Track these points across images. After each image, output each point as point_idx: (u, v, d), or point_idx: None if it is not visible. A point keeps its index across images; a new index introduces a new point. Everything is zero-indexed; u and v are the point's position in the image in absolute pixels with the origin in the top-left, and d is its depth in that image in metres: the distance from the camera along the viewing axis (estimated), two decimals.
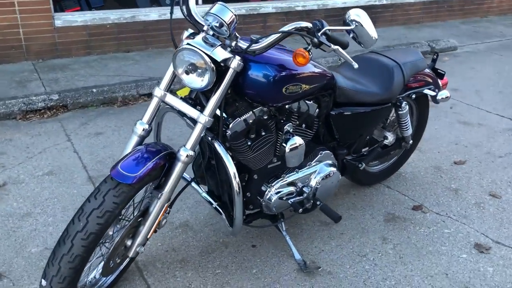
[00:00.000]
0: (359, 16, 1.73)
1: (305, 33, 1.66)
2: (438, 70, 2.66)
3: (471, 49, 6.05)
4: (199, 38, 1.67)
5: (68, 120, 3.67)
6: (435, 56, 2.66)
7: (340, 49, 1.72)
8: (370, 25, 1.73)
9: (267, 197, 2.05)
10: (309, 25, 1.68)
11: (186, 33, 1.73)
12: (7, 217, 2.45)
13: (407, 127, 2.52)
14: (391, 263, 2.19)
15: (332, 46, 1.68)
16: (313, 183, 2.15)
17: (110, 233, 1.72)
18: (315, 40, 1.65)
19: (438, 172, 3.01)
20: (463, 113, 3.99)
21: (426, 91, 2.51)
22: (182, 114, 1.84)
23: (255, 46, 1.70)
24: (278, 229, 2.26)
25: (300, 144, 1.99)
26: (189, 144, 1.73)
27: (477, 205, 2.65)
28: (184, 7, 1.78)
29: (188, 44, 1.64)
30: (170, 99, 1.77)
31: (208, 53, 1.62)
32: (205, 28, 1.72)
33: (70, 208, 2.53)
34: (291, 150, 1.97)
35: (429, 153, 3.26)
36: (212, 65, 1.62)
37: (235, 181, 1.78)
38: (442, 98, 2.46)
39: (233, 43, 1.69)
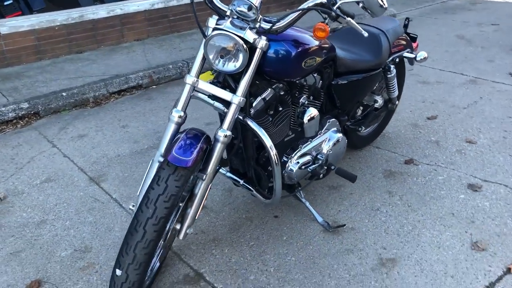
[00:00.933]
0: None
1: (321, 8, 1.79)
2: (411, 34, 2.89)
3: (411, 15, 6.44)
4: (227, 23, 1.75)
5: (45, 127, 3.58)
6: (406, 22, 2.89)
7: (352, 20, 1.87)
8: None
9: (289, 168, 2.19)
10: (324, 0, 1.81)
11: (212, 20, 1.81)
12: (23, 227, 2.42)
13: (394, 90, 2.74)
14: (403, 212, 2.41)
15: (346, 18, 1.83)
16: (325, 150, 2.32)
17: None
18: (333, 13, 1.79)
19: (416, 128, 3.27)
20: (420, 74, 4.31)
21: (406, 54, 2.74)
22: (210, 99, 1.91)
23: (277, 25, 1.81)
24: (297, 197, 2.41)
25: (315, 114, 2.14)
26: (226, 125, 1.82)
27: (459, 152, 2.94)
28: None
29: (220, 29, 1.72)
30: (202, 84, 1.85)
31: (241, 35, 1.72)
32: (228, 12, 1.80)
33: (83, 209, 2.53)
34: (309, 120, 2.11)
35: (403, 113, 3.53)
36: (246, 46, 1.71)
37: (273, 153, 1.91)
38: (421, 59, 2.69)
39: (257, 25, 1.79)
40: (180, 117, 1.83)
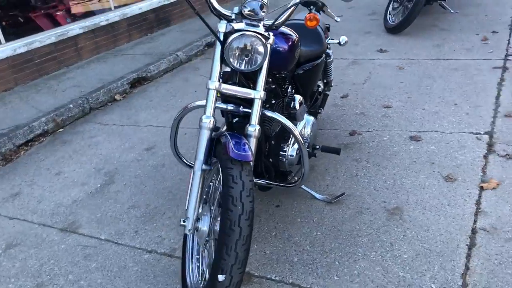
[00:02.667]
0: None
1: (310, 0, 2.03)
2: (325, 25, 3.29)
3: None
4: (241, 25, 1.87)
5: None
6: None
7: (328, 9, 2.15)
8: None
9: (289, 155, 2.37)
10: None
11: (222, 25, 1.91)
12: None
13: (331, 73, 3.10)
14: (377, 171, 2.77)
15: (326, 7, 2.10)
16: (307, 133, 2.55)
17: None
18: (319, 3, 2.05)
19: (339, 106, 3.70)
20: None
21: (331, 40, 3.12)
22: (222, 104, 2.00)
23: (278, 21, 1.99)
24: (282, 185, 2.58)
25: (302, 100, 2.37)
26: (254, 120, 1.94)
27: (384, 116, 3.44)
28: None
29: (239, 30, 1.84)
30: (225, 87, 1.93)
31: (263, 33, 1.86)
32: (233, 16, 1.93)
33: (79, 259, 2.37)
34: (299, 106, 2.33)
35: None
36: (265, 42, 1.86)
37: (299, 136, 2.07)
38: (344, 42, 3.10)
39: (262, 23, 1.95)
40: (211, 122, 1.88)
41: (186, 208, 1.86)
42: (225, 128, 2.20)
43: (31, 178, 3.26)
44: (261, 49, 1.85)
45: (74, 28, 5.82)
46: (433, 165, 2.73)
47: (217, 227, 1.84)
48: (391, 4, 5.56)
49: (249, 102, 2.00)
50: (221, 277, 1.59)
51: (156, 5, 7.02)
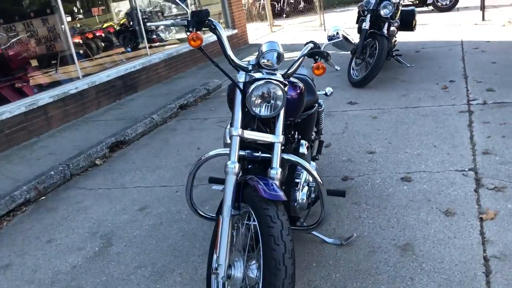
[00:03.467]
0: (340, 29, 2.35)
1: (317, 50, 2.19)
2: None
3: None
4: (260, 74, 1.98)
5: None
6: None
7: (330, 60, 2.32)
8: (349, 34, 2.37)
9: (299, 199, 2.43)
10: (313, 44, 2.22)
11: (242, 75, 2.01)
12: None
13: (322, 121, 3.24)
14: (378, 211, 2.86)
15: (329, 57, 2.27)
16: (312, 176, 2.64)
17: None
18: (325, 53, 2.21)
19: (324, 155, 3.83)
20: None
21: (318, 92, 3.29)
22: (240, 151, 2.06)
23: (290, 71, 2.12)
24: (301, 228, 2.63)
25: (308, 145, 2.47)
26: (276, 163, 2.01)
27: (371, 161, 3.59)
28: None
29: (260, 79, 1.94)
30: (247, 133, 2.00)
31: (282, 80, 1.97)
32: (250, 67, 2.04)
33: None
34: (307, 150, 2.43)
35: None
36: (284, 88, 1.97)
37: (319, 178, 2.14)
38: (330, 93, 3.28)
39: (277, 72, 2.07)
40: (237, 167, 1.93)
41: (217, 255, 1.86)
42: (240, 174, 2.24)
43: (20, 248, 3.11)
44: (280, 95, 1.95)
45: (44, 97, 5.79)
46: (430, 202, 2.85)
47: (252, 273, 1.83)
48: (354, 60, 5.92)
49: (267, 147, 2.07)
50: None
51: (123, 72, 7.13)
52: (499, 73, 5.38)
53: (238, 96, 2.01)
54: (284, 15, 16.52)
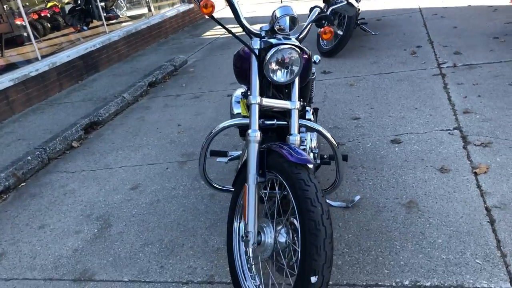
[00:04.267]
0: None
1: (325, 15, 2.19)
2: None
3: (196, 58, 7.13)
4: (275, 40, 1.97)
5: None
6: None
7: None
8: None
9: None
10: (319, 9, 2.22)
11: (257, 42, 1.98)
12: None
13: (314, 88, 3.27)
14: (375, 173, 2.94)
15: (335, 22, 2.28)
16: (315, 144, 2.67)
17: None
18: (331, 18, 2.21)
19: None
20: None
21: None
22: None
23: (300, 36, 2.12)
24: None
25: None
26: (294, 129, 2.01)
27: (358, 126, 3.66)
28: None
29: (278, 44, 1.93)
30: (265, 100, 1.99)
31: (298, 45, 1.96)
32: (263, 33, 2.02)
33: None
34: (313, 116, 2.45)
35: None
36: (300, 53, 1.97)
37: (334, 142, 2.17)
38: (319, 60, 3.30)
39: (292, 36, 2.06)
40: (258, 135, 1.92)
41: (246, 222, 1.85)
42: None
43: (11, 236, 2.99)
44: (297, 60, 1.95)
45: (3, 81, 5.49)
46: (424, 161, 2.96)
47: (282, 238, 1.85)
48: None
49: (282, 114, 2.07)
50: (313, 279, 1.61)
51: (83, 51, 6.86)
52: (462, 37, 5.58)
53: (254, 64, 1.98)
54: None
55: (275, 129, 2.18)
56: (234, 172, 2.76)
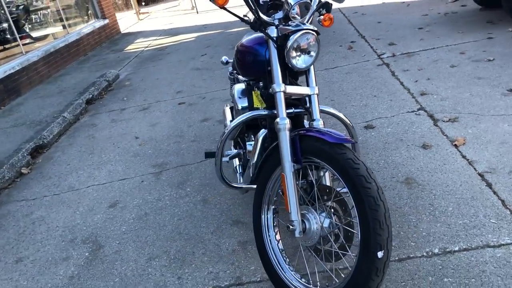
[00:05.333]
0: None
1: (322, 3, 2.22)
2: None
3: (127, 71, 6.89)
4: (291, 28, 1.96)
5: None
6: None
7: None
8: None
9: None
10: None
11: (274, 30, 1.97)
12: None
13: None
14: (361, 157, 3.04)
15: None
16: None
17: None
18: (330, 4, 2.26)
19: None
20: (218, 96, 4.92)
21: None
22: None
23: (308, 20, 2.14)
24: None
25: None
26: (316, 114, 2.03)
27: (326, 118, 3.75)
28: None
29: (298, 30, 1.93)
30: (289, 88, 1.98)
31: (316, 29, 1.98)
32: (276, 22, 2.01)
33: None
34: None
35: None
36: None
37: (350, 123, 2.21)
38: None
39: (306, 22, 2.06)
40: (288, 123, 1.90)
41: (289, 212, 1.82)
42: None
43: None
44: (316, 44, 1.96)
45: None
46: (403, 141, 3.11)
47: (326, 223, 1.85)
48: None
49: (298, 101, 2.07)
50: (380, 254, 1.62)
51: (2, 75, 6.34)
52: (389, 30, 5.96)
53: (274, 52, 1.96)
54: (143, 3, 16.02)
55: (291, 118, 2.16)
56: (233, 171, 2.70)
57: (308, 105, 2.30)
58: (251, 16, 2.05)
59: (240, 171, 2.63)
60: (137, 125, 4.54)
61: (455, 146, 2.90)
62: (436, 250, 2.09)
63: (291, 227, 1.83)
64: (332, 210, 1.88)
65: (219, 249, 2.44)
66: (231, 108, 3.30)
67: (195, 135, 3.97)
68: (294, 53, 1.92)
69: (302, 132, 1.86)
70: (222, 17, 10.20)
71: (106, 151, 4.05)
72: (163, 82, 5.89)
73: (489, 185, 2.46)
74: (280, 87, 1.91)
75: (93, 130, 4.67)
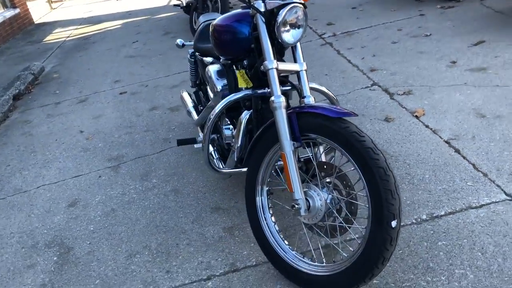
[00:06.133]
0: None
1: None
2: None
3: (53, 63, 6.44)
4: (275, 2, 1.90)
5: None
6: None
7: None
8: None
9: None
10: None
11: (261, 4, 1.89)
12: None
13: None
14: None
15: None
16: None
17: None
18: None
19: None
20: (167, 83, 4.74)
21: None
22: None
23: None
24: None
25: None
26: (307, 91, 1.99)
27: None
28: None
29: (286, 4, 1.87)
30: (282, 65, 1.92)
31: (303, 2, 1.93)
32: None
33: None
34: None
35: None
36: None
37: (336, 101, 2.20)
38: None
39: None
40: (284, 100, 1.85)
41: (293, 191, 1.79)
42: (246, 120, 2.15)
43: None
44: (303, 18, 1.92)
45: None
46: (365, 116, 3.18)
47: (329, 199, 1.83)
48: (196, 16, 5.89)
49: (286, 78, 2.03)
50: (394, 223, 1.63)
51: None
52: (324, 11, 6.06)
53: (263, 28, 1.89)
54: None
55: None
56: (210, 155, 2.60)
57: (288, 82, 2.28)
58: None
59: (217, 156, 2.54)
60: (78, 118, 4.25)
61: (416, 117, 3.00)
62: (424, 217, 2.16)
63: (296, 206, 1.79)
64: (331, 186, 1.86)
65: (204, 238, 2.35)
66: (194, 93, 3.18)
67: (147, 125, 3.79)
68: (285, 28, 1.86)
69: (299, 109, 1.82)
70: (146, 2, 9.82)
71: (50, 148, 3.75)
72: (97, 72, 5.56)
73: (457, 151, 2.58)
74: (272, 64, 1.85)
75: (28, 127, 4.30)
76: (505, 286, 1.75)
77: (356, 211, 1.82)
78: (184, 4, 6.21)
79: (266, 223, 2.01)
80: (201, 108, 2.99)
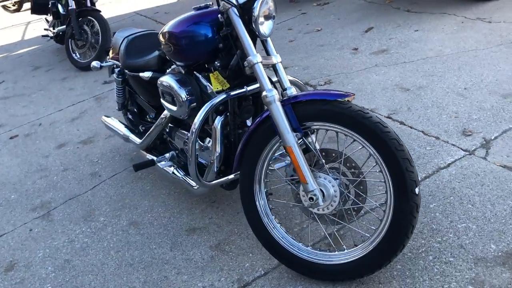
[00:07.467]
0: None
1: None
2: None
3: None
4: None
5: None
6: None
7: None
8: None
9: None
10: None
11: None
12: None
13: None
14: None
15: None
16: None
17: None
18: None
19: None
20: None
21: None
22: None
23: None
24: None
25: None
26: (287, 82, 1.96)
27: None
28: None
29: None
30: (264, 58, 1.87)
31: None
32: None
33: None
34: None
35: None
36: None
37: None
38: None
39: None
40: (276, 93, 1.80)
41: (306, 183, 1.75)
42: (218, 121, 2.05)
43: None
44: (274, 10, 1.89)
45: None
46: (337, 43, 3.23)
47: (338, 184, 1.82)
48: (71, 43, 5.47)
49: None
50: (417, 190, 1.67)
51: None
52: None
53: (239, 22, 1.81)
54: None
55: (247, 96, 2.05)
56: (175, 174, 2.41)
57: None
58: None
59: (182, 173, 2.36)
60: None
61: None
62: None
63: (314, 197, 1.73)
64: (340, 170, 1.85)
65: (193, 262, 2.16)
66: (125, 116, 2.94)
67: (62, 164, 3.39)
68: (261, 20, 1.80)
69: (294, 99, 1.77)
70: None
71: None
72: None
73: (402, 123, 2.74)
74: (256, 58, 1.80)
75: None
76: (506, 227, 1.88)
77: (366, 190, 1.82)
78: (54, 34, 5.73)
79: (273, 226, 1.92)
80: (143, 128, 2.76)
